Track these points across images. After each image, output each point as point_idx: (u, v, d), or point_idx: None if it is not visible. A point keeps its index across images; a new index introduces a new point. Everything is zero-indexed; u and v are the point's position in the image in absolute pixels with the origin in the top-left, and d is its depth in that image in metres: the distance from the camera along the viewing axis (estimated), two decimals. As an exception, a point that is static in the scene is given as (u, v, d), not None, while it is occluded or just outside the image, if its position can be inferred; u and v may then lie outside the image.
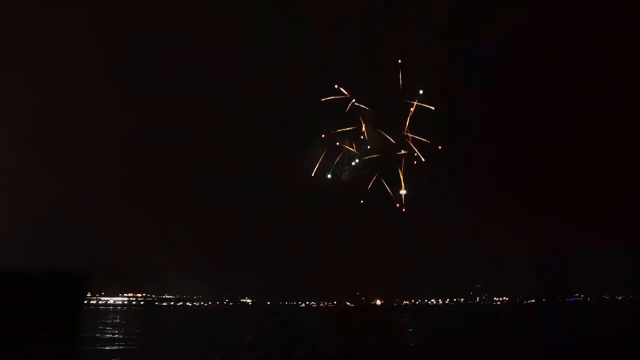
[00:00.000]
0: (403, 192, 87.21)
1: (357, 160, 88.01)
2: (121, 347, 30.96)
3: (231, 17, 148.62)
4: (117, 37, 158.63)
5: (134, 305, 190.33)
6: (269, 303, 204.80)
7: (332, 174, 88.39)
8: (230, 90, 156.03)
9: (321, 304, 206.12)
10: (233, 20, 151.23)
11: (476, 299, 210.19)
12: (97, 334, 40.28)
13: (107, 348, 29.78)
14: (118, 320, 71.66)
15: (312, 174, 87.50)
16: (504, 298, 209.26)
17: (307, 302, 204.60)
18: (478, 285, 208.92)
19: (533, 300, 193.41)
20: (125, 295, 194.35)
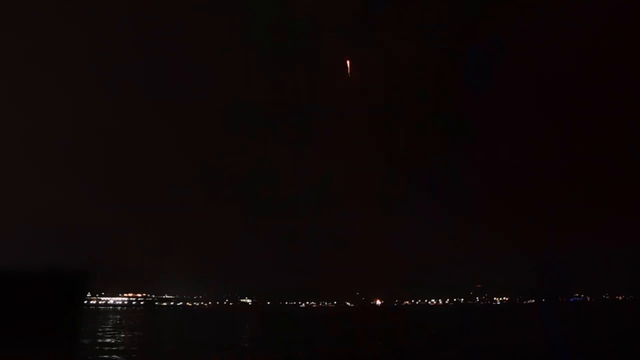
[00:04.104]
0: None
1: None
2: (121, 347, 30.96)
3: (231, 17, 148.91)
4: (117, 37, 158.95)
5: (134, 305, 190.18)
6: (269, 303, 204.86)
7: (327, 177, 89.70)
8: (229, 90, 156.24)
9: (321, 304, 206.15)
10: (233, 20, 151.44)
11: (476, 299, 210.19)
12: (98, 335, 40.31)
13: (107, 348, 29.76)
14: (118, 321, 71.74)
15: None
16: (504, 298, 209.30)
17: (307, 302, 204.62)
18: (478, 285, 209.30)
19: (533, 300, 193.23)
20: (125, 295, 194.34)
